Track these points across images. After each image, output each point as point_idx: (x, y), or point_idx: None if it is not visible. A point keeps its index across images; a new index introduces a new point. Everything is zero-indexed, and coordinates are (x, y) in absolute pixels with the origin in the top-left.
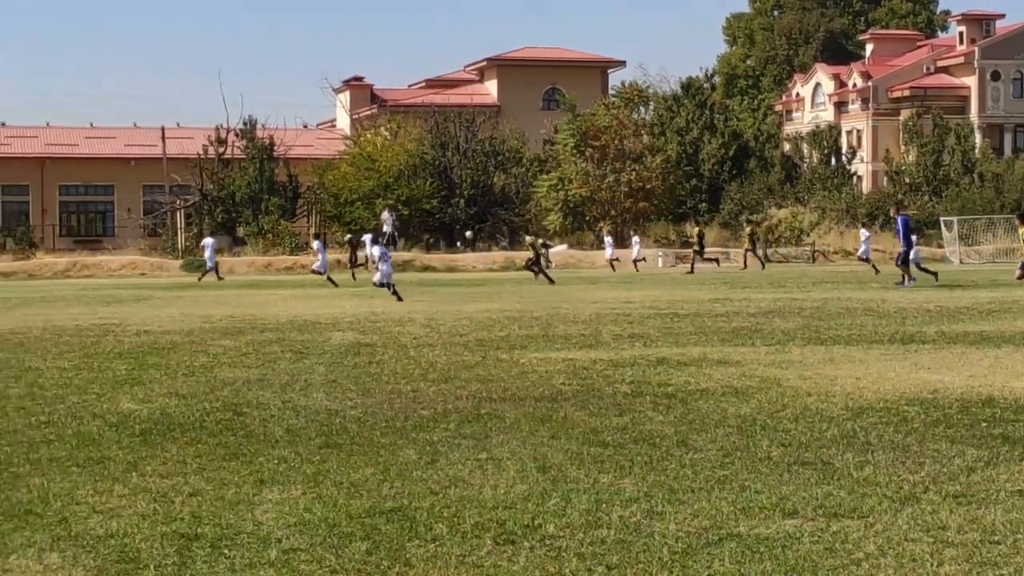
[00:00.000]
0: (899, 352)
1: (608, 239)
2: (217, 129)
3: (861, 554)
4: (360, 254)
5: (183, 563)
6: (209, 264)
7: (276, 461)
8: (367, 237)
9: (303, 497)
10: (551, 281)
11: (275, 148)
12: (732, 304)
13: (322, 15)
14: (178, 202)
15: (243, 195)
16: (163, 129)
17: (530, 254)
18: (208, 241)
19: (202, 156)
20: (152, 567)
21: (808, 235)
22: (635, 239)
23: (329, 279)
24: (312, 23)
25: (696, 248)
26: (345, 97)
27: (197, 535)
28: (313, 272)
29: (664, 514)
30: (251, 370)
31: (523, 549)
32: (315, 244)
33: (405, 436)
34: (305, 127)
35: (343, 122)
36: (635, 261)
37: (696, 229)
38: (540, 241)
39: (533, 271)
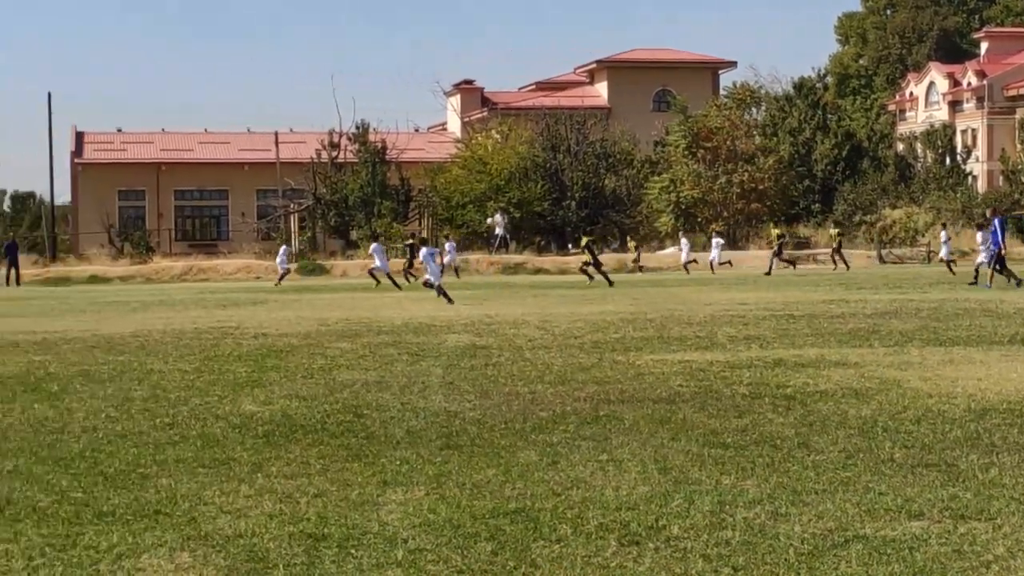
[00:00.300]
0: (1020, 353)
1: (717, 240)
2: (330, 133)
3: (990, 556)
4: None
5: (311, 563)
6: (281, 269)
7: (398, 462)
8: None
9: (427, 498)
10: (610, 283)
11: (387, 152)
12: (848, 305)
13: (433, 20)
14: (291, 206)
15: (356, 198)
16: (276, 134)
17: (586, 256)
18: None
19: (315, 160)
20: (281, 567)
21: (923, 236)
22: (714, 241)
23: (393, 281)
24: (423, 27)
25: (775, 250)
26: (456, 100)
27: (324, 535)
28: (371, 273)
29: (788, 516)
30: (369, 372)
31: (648, 550)
32: (373, 247)
33: (525, 438)
34: (416, 131)
35: (454, 125)
36: (712, 263)
37: (776, 231)
38: (588, 240)
39: (588, 274)
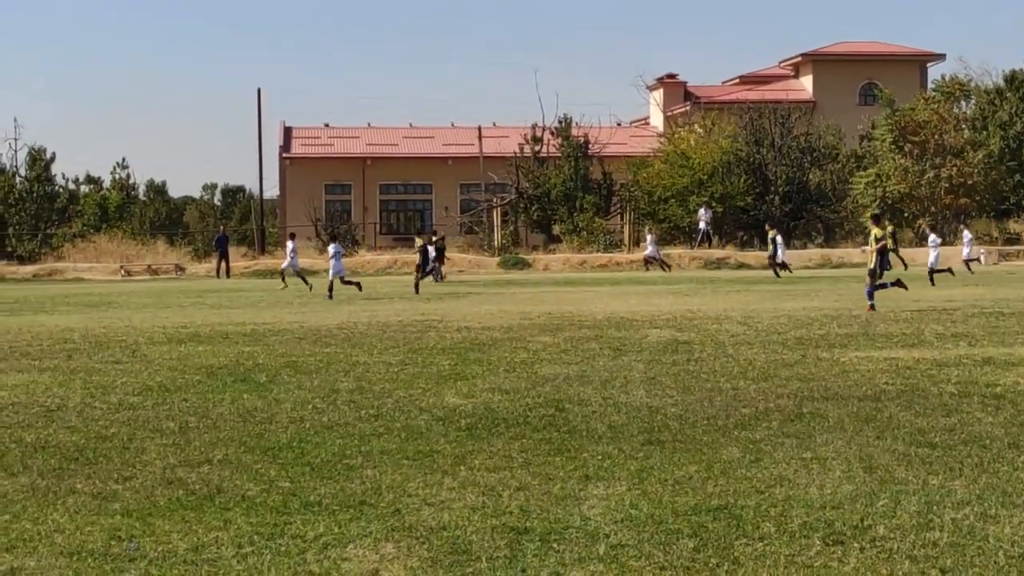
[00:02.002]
0: None
1: (933, 239)
2: (533, 128)
3: None
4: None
5: (513, 556)
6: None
7: (600, 457)
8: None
9: (628, 493)
10: (777, 275)
11: (590, 146)
12: None
13: (636, 12)
14: (495, 200)
15: (558, 193)
16: (480, 128)
17: (648, 251)
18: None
19: (518, 155)
20: (484, 559)
21: None
22: (931, 239)
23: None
24: (626, 21)
25: (891, 247)
26: (659, 94)
27: (526, 529)
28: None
29: (998, 518)
30: (571, 366)
31: (853, 550)
32: (419, 241)
33: (727, 434)
34: (619, 125)
35: (656, 119)
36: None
37: (889, 227)
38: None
39: (655, 264)
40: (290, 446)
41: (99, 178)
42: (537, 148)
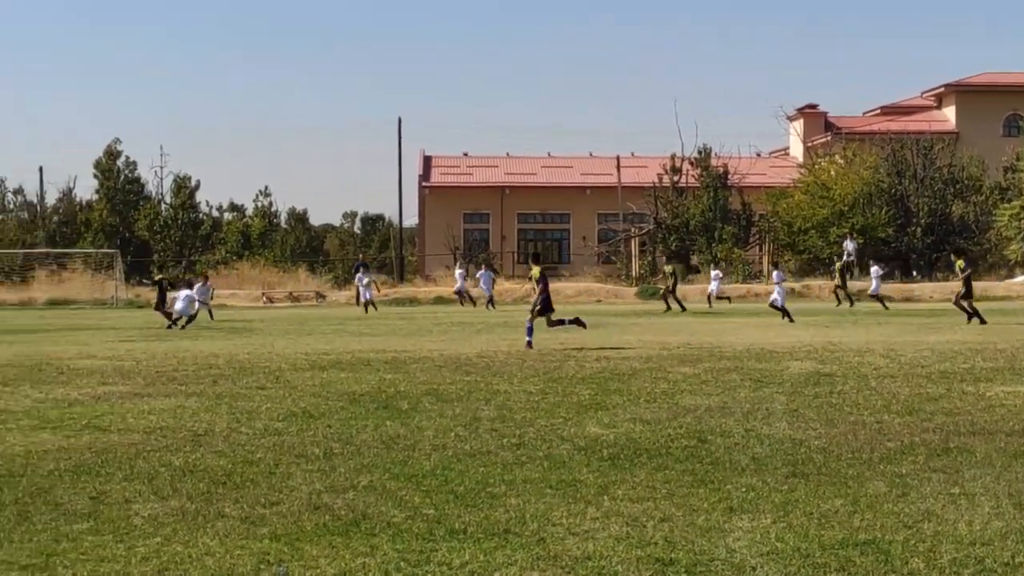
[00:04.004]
0: None
1: None
2: (672, 157)
3: None
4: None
5: None
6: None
7: (744, 489)
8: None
9: (774, 526)
10: (683, 309)
11: (729, 176)
12: None
13: (777, 42)
14: (633, 230)
15: (697, 223)
16: (618, 158)
17: (668, 283)
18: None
19: (657, 184)
20: None
21: None
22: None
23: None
24: (767, 51)
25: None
26: (799, 125)
27: (671, 560)
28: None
29: None
30: (712, 397)
31: None
32: (458, 272)
33: (872, 468)
34: (758, 155)
35: (796, 150)
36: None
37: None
38: (671, 269)
39: (666, 301)
40: (433, 473)
41: (242, 206)
42: (676, 178)
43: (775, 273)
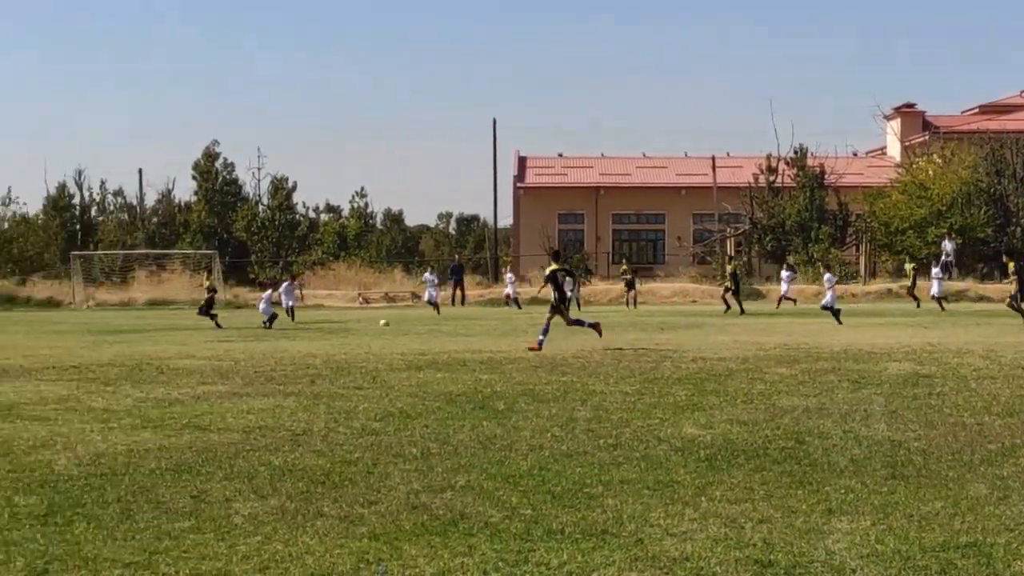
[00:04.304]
0: None
1: None
2: (768, 157)
3: None
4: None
5: None
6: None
7: (843, 491)
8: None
9: (873, 528)
10: (741, 311)
11: (825, 176)
12: None
13: (874, 41)
14: (728, 230)
15: (793, 223)
16: (713, 158)
17: (728, 283)
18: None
19: (752, 185)
20: None
21: None
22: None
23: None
24: (864, 49)
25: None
26: (896, 124)
27: (770, 562)
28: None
29: None
30: (809, 399)
31: None
32: (508, 276)
33: (973, 470)
34: (855, 155)
35: (893, 149)
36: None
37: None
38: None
39: (726, 301)
40: (531, 473)
41: (338, 207)
42: (772, 178)
43: (826, 276)
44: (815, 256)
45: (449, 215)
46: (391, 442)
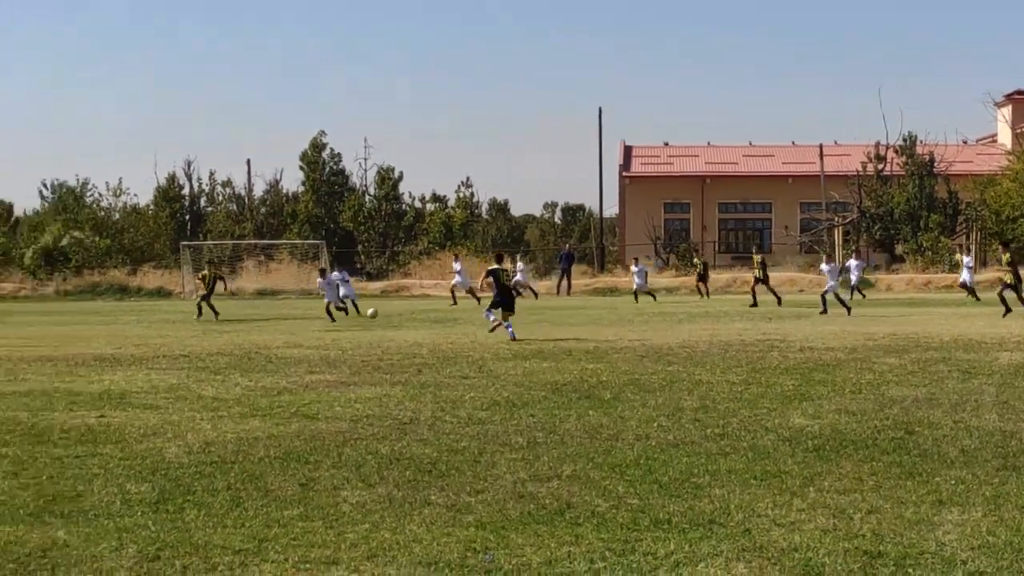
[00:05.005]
0: None
1: None
2: (876, 145)
3: None
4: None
5: None
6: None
7: (953, 482)
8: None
9: (984, 519)
10: (779, 302)
11: (935, 164)
12: None
13: (983, 28)
14: (836, 219)
15: (902, 212)
16: (821, 147)
17: (757, 272)
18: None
19: (860, 173)
20: None
21: None
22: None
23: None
24: (973, 36)
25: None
26: (1007, 111)
27: (880, 553)
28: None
29: None
30: (919, 389)
31: None
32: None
33: None
34: (964, 143)
35: (1005, 137)
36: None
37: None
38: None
39: (753, 294)
40: (637, 463)
41: (444, 196)
42: (880, 166)
43: (853, 262)
44: (924, 245)
45: (555, 205)
46: (497, 431)
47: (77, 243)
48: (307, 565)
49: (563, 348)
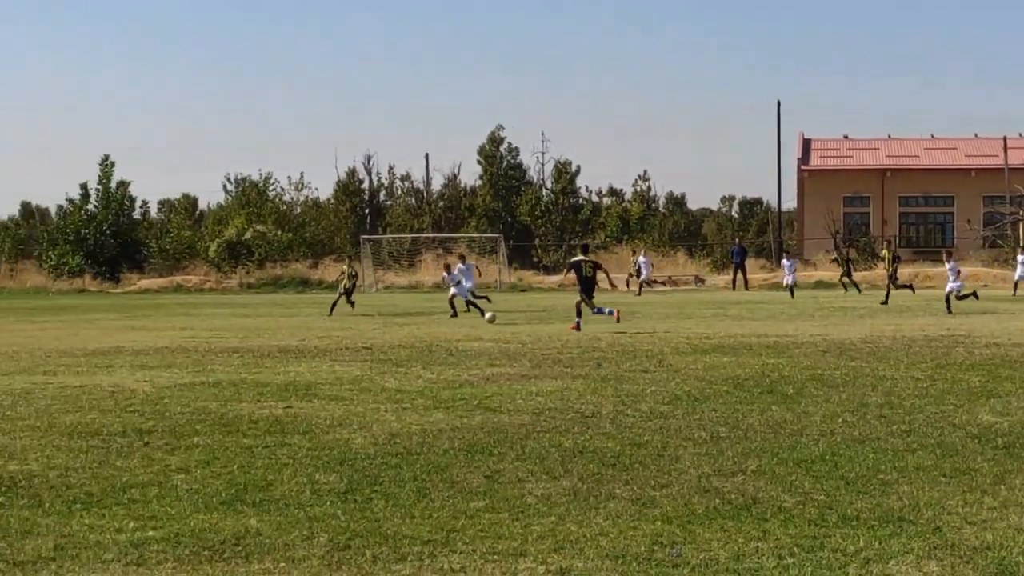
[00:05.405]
0: None
1: None
2: None
3: None
4: None
5: None
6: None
7: None
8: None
9: None
10: (858, 290)
11: None
12: None
13: None
14: (1021, 213)
15: None
16: (1005, 139)
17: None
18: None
19: None
20: None
21: None
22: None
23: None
24: None
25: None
26: None
27: None
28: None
29: None
30: None
31: None
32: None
33: None
34: None
35: None
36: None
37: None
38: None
39: (843, 283)
40: (822, 459)
41: (621, 190)
42: None
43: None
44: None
45: (732, 198)
46: (680, 425)
47: (260, 236)
48: (495, 556)
49: (743, 343)
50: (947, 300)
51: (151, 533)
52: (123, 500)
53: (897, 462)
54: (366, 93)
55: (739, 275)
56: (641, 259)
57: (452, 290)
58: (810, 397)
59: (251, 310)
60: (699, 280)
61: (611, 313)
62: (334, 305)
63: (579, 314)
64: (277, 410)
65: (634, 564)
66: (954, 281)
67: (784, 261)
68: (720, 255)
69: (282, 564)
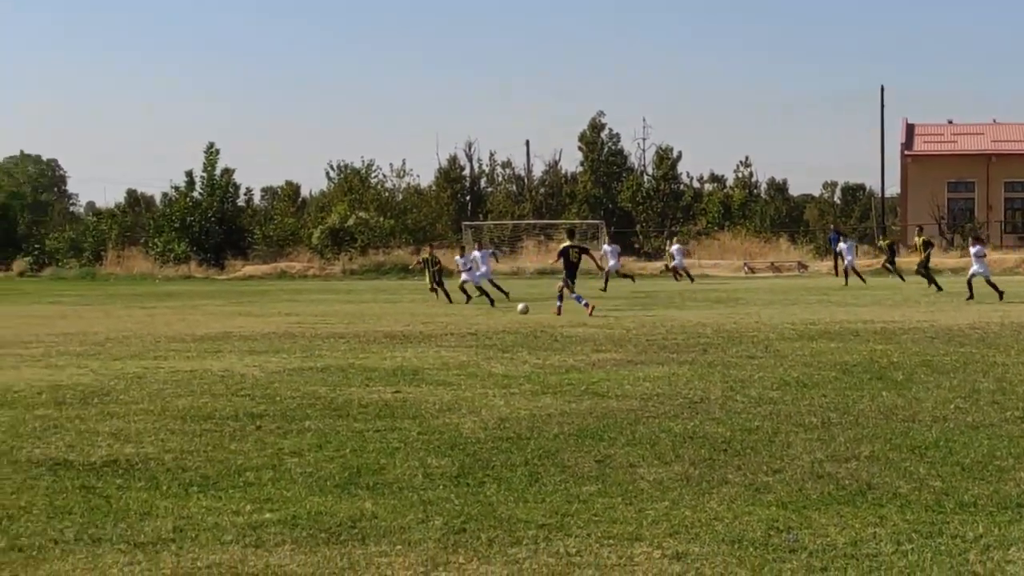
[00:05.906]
0: None
1: None
2: None
3: None
4: None
5: None
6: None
7: None
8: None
9: None
10: (902, 279)
11: None
12: None
13: None
14: None
15: None
16: None
17: (923, 254)
18: None
19: None
20: None
21: None
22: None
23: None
24: None
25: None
26: None
27: None
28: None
29: None
30: None
31: None
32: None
33: None
34: None
35: None
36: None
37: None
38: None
39: (923, 274)
40: (936, 445)
41: (722, 176)
42: None
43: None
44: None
45: (834, 184)
46: (790, 411)
47: (362, 223)
48: (610, 541)
49: (849, 328)
50: (969, 284)
51: (268, 515)
52: (239, 483)
53: (1013, 448)
54: (467, 80)
55: (840, 261)
56: (675, 247)
57: (463, 276)
58: (921, 383)
59: (355, 296)
60: (802, 266)
61: (586, 305)
62: (442, 291)
63: (561, 299)
64: (386, 395)
65: (751, 549)
66: (980, 267)
67: (841, 244)
68: (823, 241)
69: (398, 547)
